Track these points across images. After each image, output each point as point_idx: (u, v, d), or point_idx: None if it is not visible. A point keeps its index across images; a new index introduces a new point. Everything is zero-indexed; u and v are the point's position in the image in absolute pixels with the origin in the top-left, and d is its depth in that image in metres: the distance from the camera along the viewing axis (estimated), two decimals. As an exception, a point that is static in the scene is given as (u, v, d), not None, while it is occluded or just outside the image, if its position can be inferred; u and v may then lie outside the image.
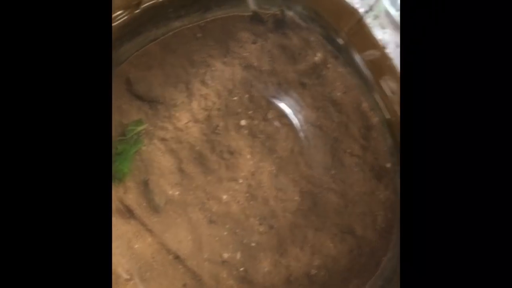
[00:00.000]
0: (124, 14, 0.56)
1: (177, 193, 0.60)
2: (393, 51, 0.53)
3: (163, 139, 0.60)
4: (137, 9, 0.57)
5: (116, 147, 0.60)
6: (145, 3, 0.56)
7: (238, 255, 0.60)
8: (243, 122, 0.60)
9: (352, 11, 0.54)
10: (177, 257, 0.60)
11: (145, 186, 0.60)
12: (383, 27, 0.52)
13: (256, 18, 0.60)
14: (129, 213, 0.60)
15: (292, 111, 0.61)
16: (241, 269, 0.60)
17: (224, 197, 0.60)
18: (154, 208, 0.60)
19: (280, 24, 0.60)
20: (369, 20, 0.53)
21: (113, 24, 0.56)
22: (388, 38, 0.52)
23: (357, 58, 0.59)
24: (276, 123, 0.60)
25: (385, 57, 0.53)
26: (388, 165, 0.60)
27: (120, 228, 0.60)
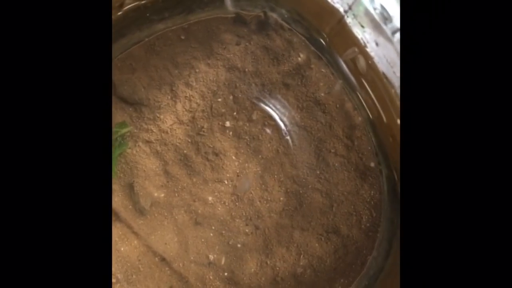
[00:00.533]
0: (107, 17, 0.56)
1: (162, 195, 0.60)
2: (373, 49, 0.53)
3: (147, 142, 0.60)
4: (119, 11, 0.57)
5: (101, 150, 0.60)
6: (128, 5, 0.56)
7: (224, 257, 0.60)
8: (227, 124, 0.60)
9: (333, 11, 0.54)
10: (163, 259, 0.60)
11: (130, 189, 0.60)
12: (362, 26, 0.52)
13: (239, 20, 0.61)
14: (114, 216, 0.60)
15: (277, 112, 0.61)
16: (227, 270, 0.60)
17: (210, 198, 0.60)
18: (140, 211, 0.60)
19: (263, 25, 0.61)
20: (349, 20, 0.53)
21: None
22: (368, 37, 0.53)
23: (340, 58, 0.59)
24: (261, 124, 0.60)
25: (365, 56, 0.53)
26: (372, 164, 0.61)
27: (105, 231, 0.60)
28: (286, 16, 0.60)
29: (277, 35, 0.61)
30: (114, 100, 0.61)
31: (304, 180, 0.60)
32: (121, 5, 0.56)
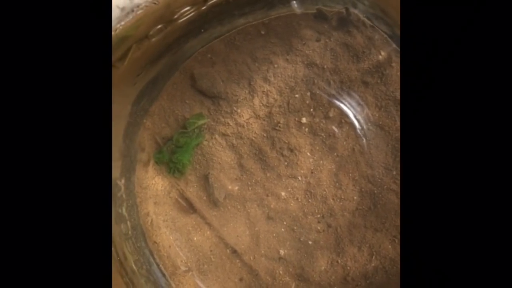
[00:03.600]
0: (191, 11, 0.57)
1: (236, 188, 0.61)
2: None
3: (224, 134, 0.61)
4: (203, 6, 0.58)
5: (178, 139, 0.61)
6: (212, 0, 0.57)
7: (295, 253, 0.60)
8: (304, 120, 0.60)
9: (423, 9, 0.53)
10: (234, 251, 0.61)
11: (205, 180, 0.61)
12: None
13: (320, 16, 0.60)
14: (189, 206, 0.61)
15: (354, 110, 0.60)
16: (298, 266, 0.60)
17: (283, 194, 0.61)
18: (214, 202, 0.61)
19: (344, 22, 0.60)
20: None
21: (180, 21, 0.57)
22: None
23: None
24: (337, 122, 0.60)
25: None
26: (453, 167, 0.59)
27: (180, 220, 0.62)
28: (368, 12, 0.59)
29: (358, 31, 0.60)
30: (193, 92, 0.62)
31: (379, 180, 0.59)
32: (206, 0, 0.57)
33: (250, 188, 0.61)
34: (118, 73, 0.53)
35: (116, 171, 0.60)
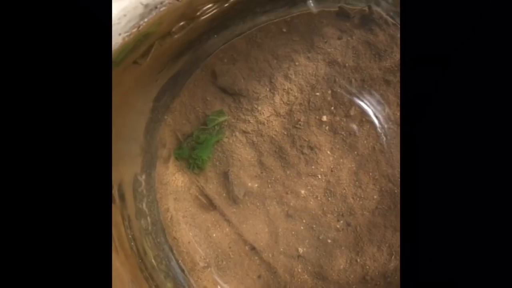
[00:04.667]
0: (213, 8, 0.58)
1: (256, 185, 0.61)
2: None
3: (244, 132, 0.61)
4: (226, 3, 0.58)
5: (198, 136, 0.61)
6: (235, -3, 0.57)
7: (314, 251, 0.60)
8: (324, 118, 0.60)
9: (448, 7, 0.52)
10: (253, 248, 0.61)
11: (225, 177, 0.62)
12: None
13: (342, 14, 0.60)
14: (209, 202, 0.62)
15: (375, 108, 0.60)
16: (316, 264, 0.60)
17: (303, 192, 0.60)
18: (233, 199, 0.61)
19: (366, 20, 0.60)
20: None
21: (202, 18, 0.58)
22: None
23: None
24: (358, 120, 0.60)
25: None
26: (475, 167, 0.58)
27: (199, 217, 0.62)
28: (391, 10, 0.59)
29: (380, 30, 0.60)
30: (214, 89, 0.62)
31: (400, 179, 0.59)
32: (228, -3, 0.57)
33: (269, 186, 0.61)
34: (140, 69, 0.54)
35: (137, 167, 0.60)
